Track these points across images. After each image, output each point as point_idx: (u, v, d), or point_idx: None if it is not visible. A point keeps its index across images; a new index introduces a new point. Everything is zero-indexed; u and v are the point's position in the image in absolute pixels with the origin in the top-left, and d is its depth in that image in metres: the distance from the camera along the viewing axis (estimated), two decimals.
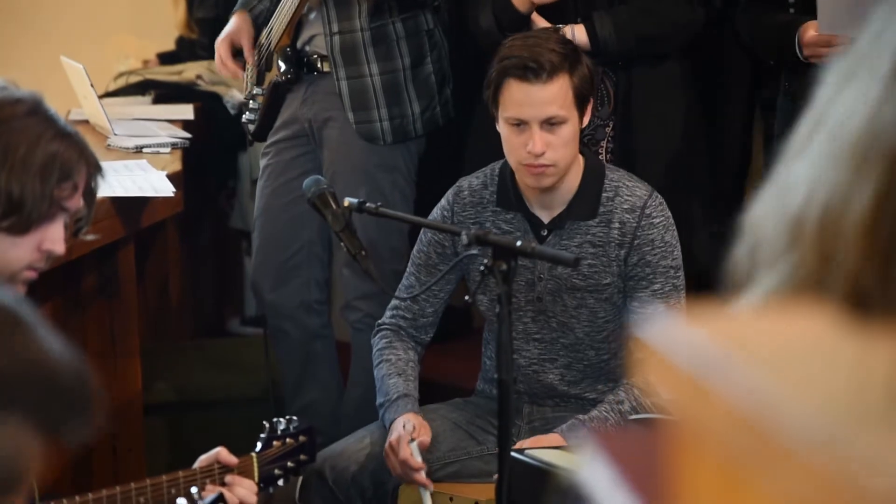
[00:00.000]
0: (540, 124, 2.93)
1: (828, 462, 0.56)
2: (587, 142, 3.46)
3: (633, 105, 3.46)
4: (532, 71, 2.92)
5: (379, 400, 3.11)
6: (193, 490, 2.43)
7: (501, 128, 3.01)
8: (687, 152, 3.57)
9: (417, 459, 2.95)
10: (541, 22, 3.40)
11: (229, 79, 5.07)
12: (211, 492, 2.43)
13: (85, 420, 1.19)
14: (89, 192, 2.26)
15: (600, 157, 3.46)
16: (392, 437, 2.99)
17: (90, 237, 2.45)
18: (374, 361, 3.19)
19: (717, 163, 3.70)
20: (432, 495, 2.99)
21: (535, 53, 2.92)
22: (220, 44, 3.89)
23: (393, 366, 3.14)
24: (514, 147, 2.98)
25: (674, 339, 0.68)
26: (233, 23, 3.91)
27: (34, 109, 2.21)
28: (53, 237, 2.21)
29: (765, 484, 0.59)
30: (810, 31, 3.25)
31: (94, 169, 2.26)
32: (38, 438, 1.16)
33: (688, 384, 0.66)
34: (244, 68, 3.89)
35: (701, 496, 0.70)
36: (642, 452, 0.86)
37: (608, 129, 3.49)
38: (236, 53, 3.90)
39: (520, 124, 2.95)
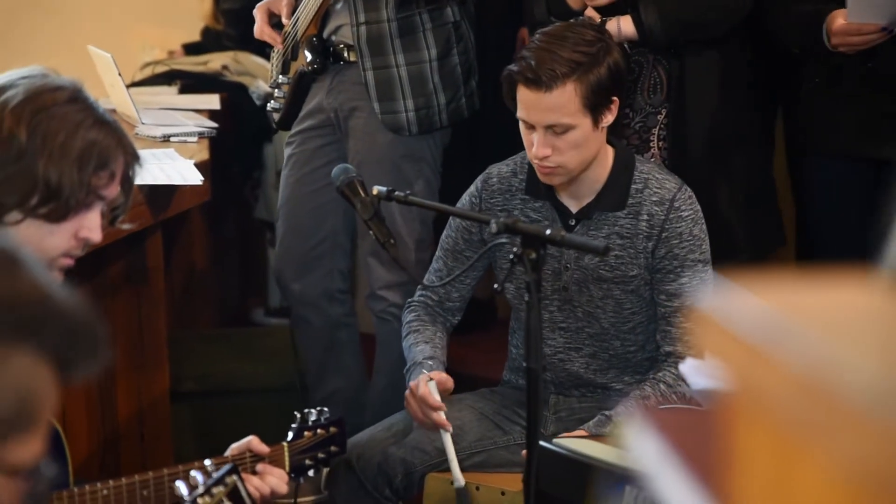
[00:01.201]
0: (544, 129, 2.95)
1: (893, 423, 0.56)
2: (638, 129, 3.45)
3: (687, 92, 3.43)
4: (532, 81, 2.93)
5: (407, 366, 3.13)
6: (207, 462, 2.43)
7: (519, 122, 3.04)
8: (740, 140, 3.53)
9: (436, 397, 2.96)
10: (595, 17, 3.36)
11: (255, 69, 5.09)
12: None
13: (94, 355, 1.19)
14: (127, 181, 2.26)
15: (651, 144, 3.44)
16: (412, 383, 3.01)
17: (126, 226, 2.45)
18: (403, 333, 3.22)
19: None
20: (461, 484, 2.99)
21: (542, 61, 2.92)
22: (258, 10, 3.89)
23: (421, 335, 3.16)
24: (527, 145, 3.03)
25: (733, 309, 0.68)
26: None
27: (74, 97, 2.21)
28: (90, 225, 2.21)
29: (826, 447, 0.60)
30: (839, 19, 3.23)
31: (132, 158, 2.26)
32: (47, 372, 1.16)
33: (747, 351, 0.66)
34: (282, 35, 3.89)
35: (756, 465, 0.70)
36: (690, 427, 0.86)
37: (660, 117, 3.45)
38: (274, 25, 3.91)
39: (529, 125, 2.98)
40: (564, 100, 2.92)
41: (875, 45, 3.23)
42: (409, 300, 3.30)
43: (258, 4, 3.91)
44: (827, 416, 0.60)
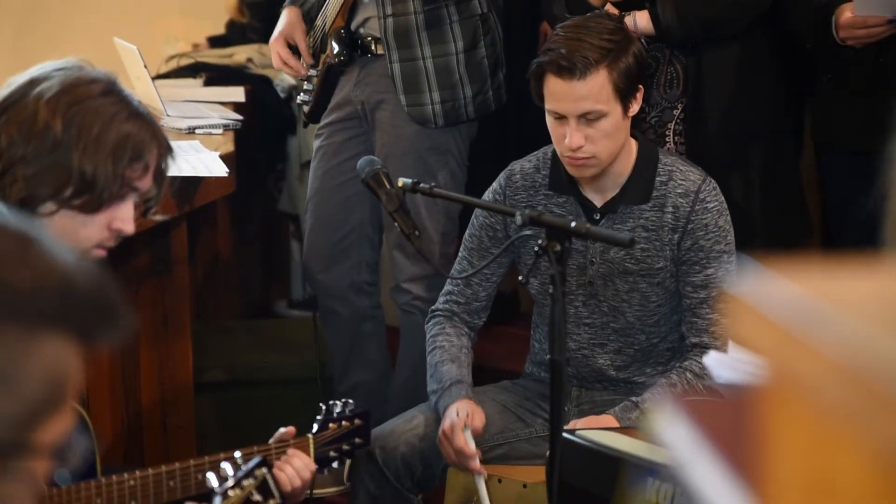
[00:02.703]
0: (577, 119, 2.94)
1: None
2: (654, 123, 3.44)
3: (705, 87, 3.42)
4: (566, 69, 2.92)
5: (433, 387, 3.12)
6: (237, 454, 2.45)
7: (546, 117, 3.02)
8: (761, 133, 3.52)
9: (471, 447, 2.97)
10: (613, 11, 3.36)
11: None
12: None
13: (114, 323, 1.21)
14: (160, 173, 2.28)
15: (667, 139, 3.44)
16: (445, 424, 3.01)
17: (158, 217, 2.47)
18: (428, 348, 3.20)
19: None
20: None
21: (573, 49, 2.92)
22: (276, 43, 3.90)
23: (446, 352, 3.15)
24: (557, 139, 3.01)
25: (768, 294, 0.68)
26: (284, 20, 3.92)
27: (109, 89, 2.23)
28: (123, 216, 2.23)
29: (864, 433, 0.60)
30: (846, 12, 3.22)
31: (166, 150, 2.28)
32: (73, 348, 1.18)
33: (784, 337, 0.66)
34: (304, 65, 3.91)
35: (791, 452, 0.70)
36: (722, 415, 0.86)
37: (676, 112, 3.45)
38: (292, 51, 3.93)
39: (560, 117, 2.97)
40: (598, 86, 2.92)
41: (884, 41, 3.21)
42: (433, 308, 3.28)
43: (272, 40, 3.93)
44: (864, 401, 0.60)
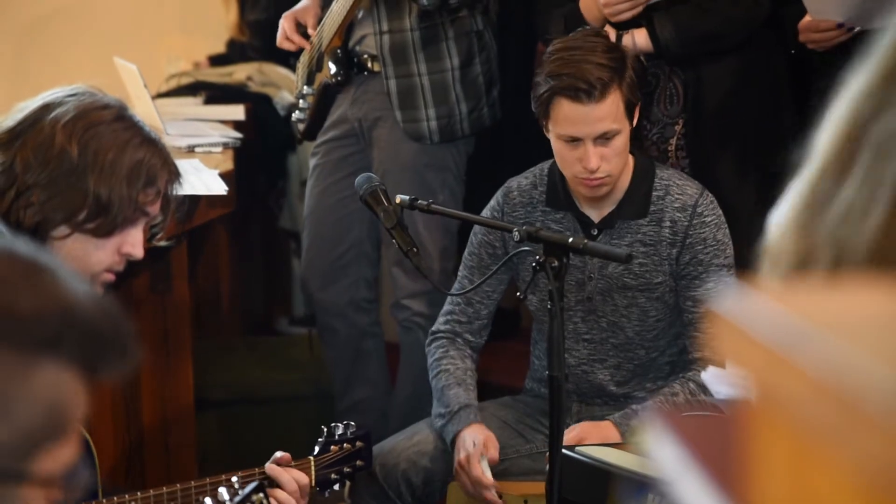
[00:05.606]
0: (594, 140, 2.93)
1: None
2: (656, 140, 3.44)
3: (704, 102, 3.42)
4: (584, 92, 2.90)
5: (439, 410, 3.12)
6: (234, 479, 2.46)
7: (553, 141, 3.00)
8: (766, 145, 3.52)
9: (489, 476, 2.97)
10: (610, 32, 3.35)
11: (279, 79, 5.11)
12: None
13: (121, 355, 1.21)
14: (167, 199, 2.31)
15: (669, 155, 3.44)
16: (461, 455, 3.01)
17: (163, 243, 2.50)
18: (432, 372, 3.20)
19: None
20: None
21: (584, 72, 2.90)
22: (286, 18, 3.92)
23: (452, 375, 3.15)
24: (569, 162, 2.98)
25: (752, 312, 0.69)
26: (303, 2, 3.94)
27: (121, 115, 2.27)
28: (133, 241, 2.26)
29: (845, 452, 0.60)
30: (807, 17, 3.21)
31: (175, 175, 2.32)
32: (78, 378, 1.17)
33: (766, 355, 0.66)
34: (308, 42, 3.92)
35: (775, 470, 0.70)
36: (710, 432, 0.87)
37: (677, 128, 3.45)
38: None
39: (572, 140, 2.95)
40: (614, 106, 2.92)
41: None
42: (434, 330, 3.28)
43: (285, 13, 3.94)
44: (846, 420, 0.61)
